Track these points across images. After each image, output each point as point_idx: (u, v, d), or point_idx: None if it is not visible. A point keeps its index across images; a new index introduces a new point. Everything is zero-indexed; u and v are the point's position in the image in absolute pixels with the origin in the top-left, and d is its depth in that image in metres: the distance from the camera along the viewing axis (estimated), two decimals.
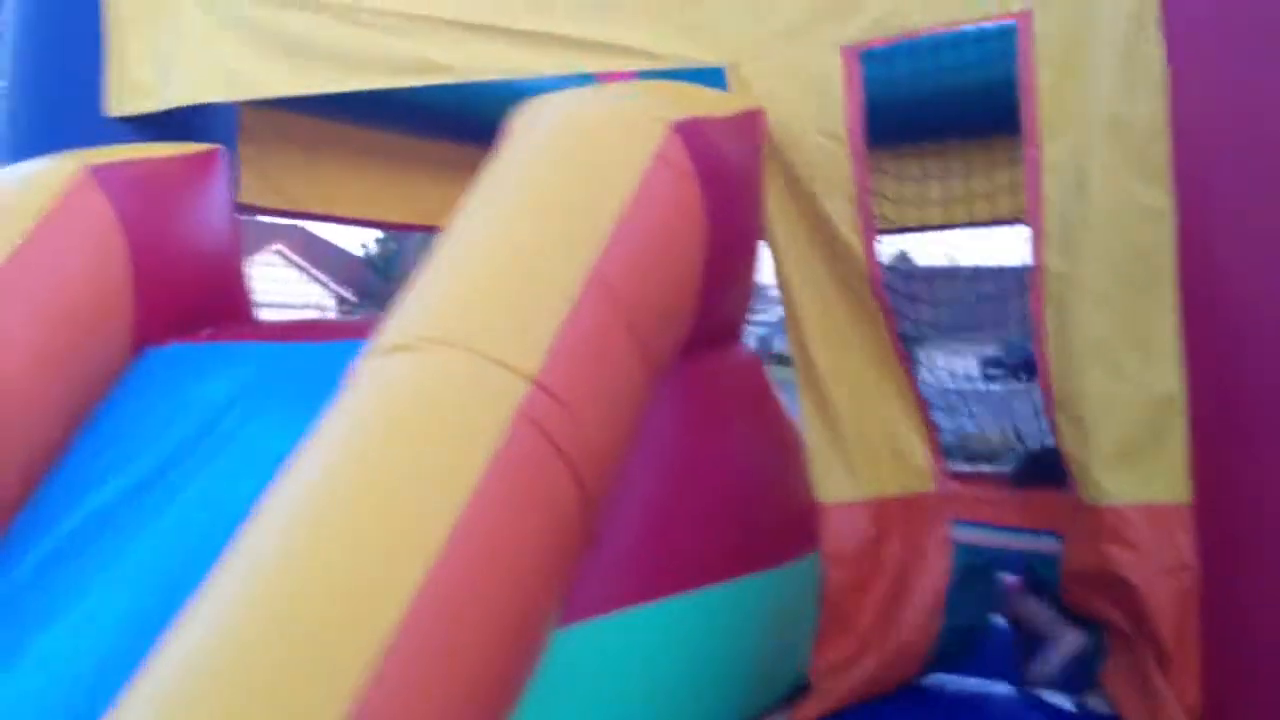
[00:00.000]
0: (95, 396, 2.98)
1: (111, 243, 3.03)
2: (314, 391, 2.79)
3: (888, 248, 4.04)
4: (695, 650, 2.66)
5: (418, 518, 2.02)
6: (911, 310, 3.63)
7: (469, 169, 5.47)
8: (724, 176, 2.77)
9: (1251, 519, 2.68)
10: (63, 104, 3.73)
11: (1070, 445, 2.89)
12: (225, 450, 2.78)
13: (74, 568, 2.63)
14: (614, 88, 3.03)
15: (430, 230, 5.70)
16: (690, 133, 2.69)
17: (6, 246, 2.93)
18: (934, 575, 3.13)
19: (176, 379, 2.99)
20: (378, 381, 2.26)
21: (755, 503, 2.91)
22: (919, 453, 3.21)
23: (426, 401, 2.20)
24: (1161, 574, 2.75)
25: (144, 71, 3.64)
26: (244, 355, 3.03)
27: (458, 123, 4.66)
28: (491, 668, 2.03)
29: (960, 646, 3.24)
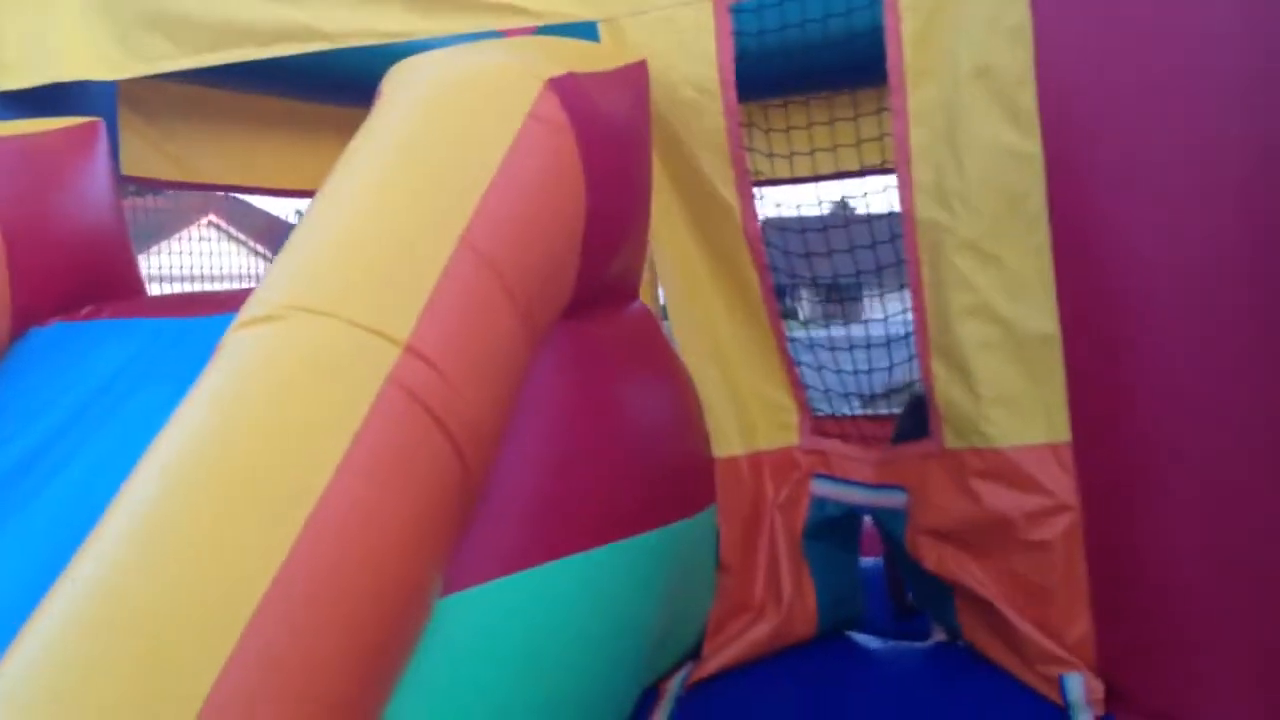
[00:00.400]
0: None
1: None
2: (192, 368, 2.78)
3: (829, 194, 4.08)
4: (594, 611, 2.65)
5: (283, 486, 2.01)
6: (841, 260, 3.65)
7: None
8: (604, 132, 2.75)
9: (1130, 455, 2.73)
10: None
11: (947, 391, 2.93)
12: (107, 425, 2.74)
13: None
14: (488, 45, 3.00)
15: None
16: (567, 88, 2.66)
17: None
18: (796, 528, 3.18)
19: (57, 357, 2.95)
20: (243, 353, 2.24)
21: (651, 459, 2.91)
22: (787, 407, 3.25)
23: (292, 371, 2.18)
24: (1045, 514, 2.79)
25: (16, 48, 3.56)
26: (127, 331, 2.99)
27: (347, 86, 4.63)
28: (362, 637, 2.01)
29: (844, 608, 3.29)
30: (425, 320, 2.26)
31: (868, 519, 3.27)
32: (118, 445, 2.68)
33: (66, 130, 3.29)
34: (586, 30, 3.17)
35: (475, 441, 2.31)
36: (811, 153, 3.53)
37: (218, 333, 2.89)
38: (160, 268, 9.90)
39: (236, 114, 4.88)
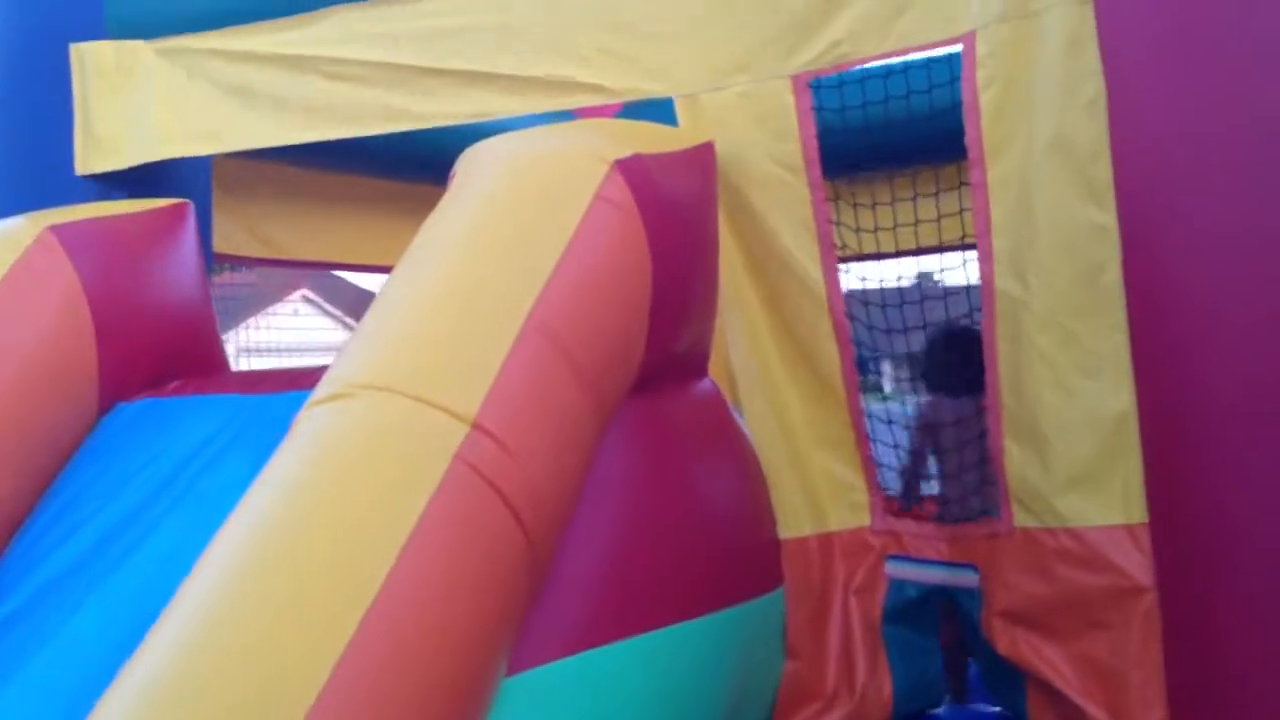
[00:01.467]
0: (63, 454, 3.02)
1: (72, 300, 3.08)
2: (276, 440, 2.84)
3: (911, 269, 4.07)
4: (658, 693, 2.62)
5: (352, 564, 2.03)
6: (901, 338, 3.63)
7: None
8: (671, 211, 2.78)
9: (1208, 537, 2.65)
10: (38, 168, 3.77)
11: (1020, 469, 2.88)
12: (187, 501, 2.81)
13: (29, 630, 2.65)
14: (559, 128, 3.06)
15: None
16: (633, 169, 2.71)
17: None
18: (874, 612, 3.12)
19: (142, 433, 3.02)
20: (315, 430, 2.28)
21: (717, 539, 2.89)
22: (858, 487, 3.22)
23: (362, 448, 2.22)
24: (1122, 595, 2.73)
25: (111, 129, 3.69)
26: (210, 407, 3.06)
27: (430, 164, 4.74)
28: (429, 716, 2.03)
29: (923, 696, 3.22)
30: (492, 398, 2.29)
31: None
32: (196, 521, 2.74)
33: (156, 211, 3.41)
34: (666, 107, 3.22)
35: (541, 519, 2.32)
36: (894, 228, 3.52)
37: (295, 408, 2.97)
38: (255, 341, 10.13)
39: (322, 193, 5.01)
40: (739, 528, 2.99)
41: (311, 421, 2.31)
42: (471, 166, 2.76)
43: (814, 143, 3.09)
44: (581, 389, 2.47)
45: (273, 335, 10.45)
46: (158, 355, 3.25)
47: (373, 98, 3.46)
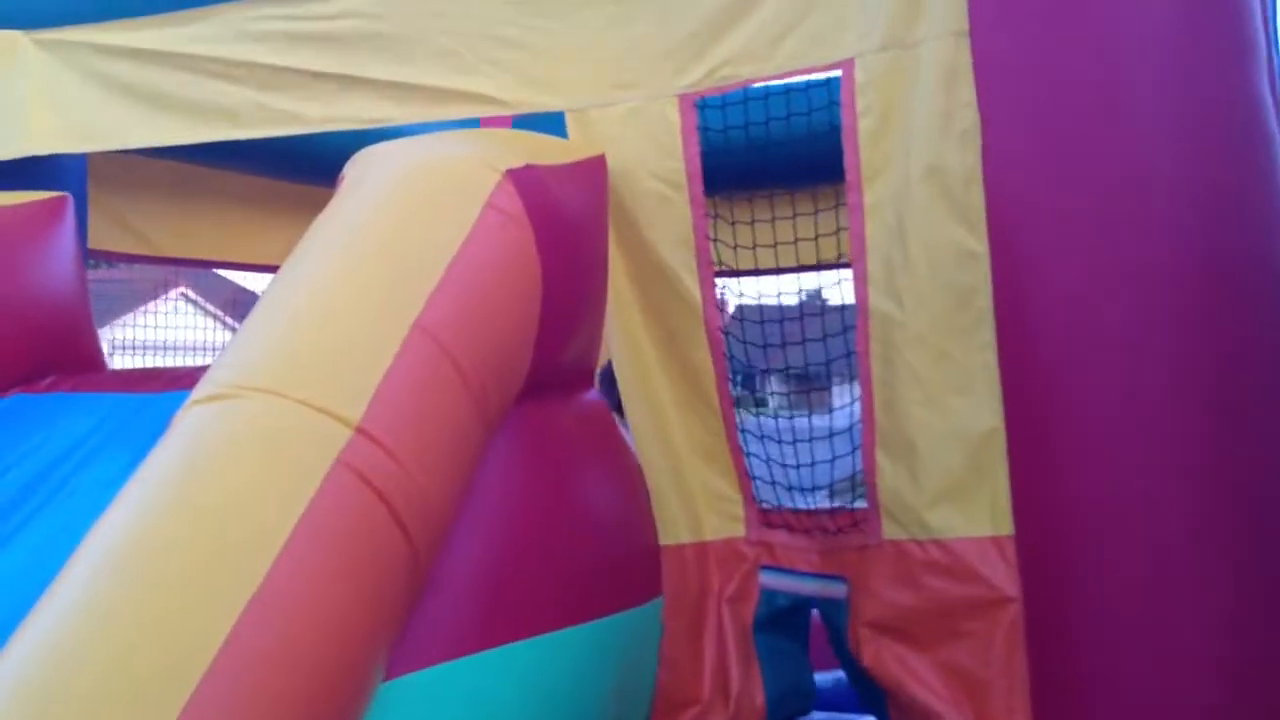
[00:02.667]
0: None
1: None
2: (147, 443, 2.79)
3: (801, 284, 4.15)
4: (537, 699, 2.64)
5: (228, 566, 2.02)
6: (812, 350, 3.71)
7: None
8: (561, 222, 2.82)
9: (1070, 550, 2.77)
10: None
11: (891, 483, 2.97)
12: (60, 498, 2.76)
13: None
14: (450, 135, 3.08)
15: None
16: (524, 180, 2.73)
17: None
18: (746, 620, 3.19)
19: (15, 428, 2.95)
20: (195, 429, 2.26)
21: (599, 547, 2.92)
22: (733, 499, 3.29)
23: (241, 449, 2.21)
24: (987, 605, 2.82)
25: None
26: (86, 404, 3.01)
27: (310, 164, 4.69)
28: (306, 714, 2.03)
29: (793, 702, 3.29)
30: (377, 403, 2.30)
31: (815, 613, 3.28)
32: (70, 518, 2.70)
33: (34, 204, 3.33)
34: (557, 120, 3.25)
35: (425, 525, 2.33)
36: (774, 245, 3.61)
37: (174, 408, 2.93)
38: (130, 339, 9.89)
39: (199, 189, 4.92)
40: (620, 536, 3.03)
41: (191, 420, 2.29)
42: (362, 170, 2.76)
43: (697, 161, 3.15)
44: (467, 396, 2.48)
45: (149, 333, 10.21)
46: (32, 350, 3.18)
47: (254, 99, 3.43)
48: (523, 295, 2.69)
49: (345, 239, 2.60)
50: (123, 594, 1.98)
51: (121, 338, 9.53)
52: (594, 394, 3.12)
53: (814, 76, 3.17)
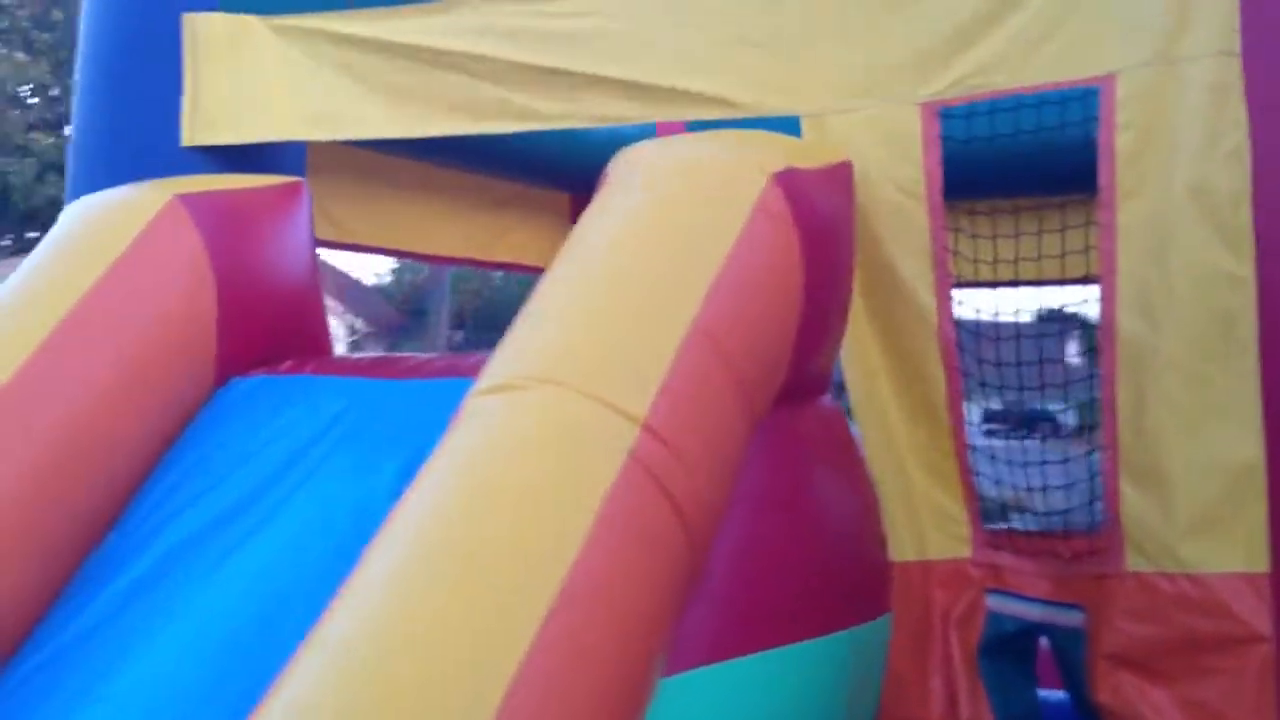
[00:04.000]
0: (179, 425, 2.98)
1: (199, 272, 3.04)
2: (398, 430, 2.82)
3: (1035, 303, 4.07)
4: (781, 707, 2.63)
5: (535, 558, 2.03)
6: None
7: (521, 204, 5.45)
8: (821, 227, 2.81)
9: None
10: (134, 135, 3.67)
11: (1138, 512, 2.91)
12: (309, 486, 2.77)
13: (152, 601, 2.60)
14: (709, 136, 3.07)
15: (480, 264, 5.77)
16: (789, 183, 2.73)
17: (93, 273, 2.94)
18: (971, 644, 3.14)
19: (261, 411, 2.99)
20: (487, 420, 2.27)
21: (837, 558, 2.89)
22: (959, 518, 3.23)
23: (538, 441, 2.22)
24: (1239, 643, 2.76)
25: (221, 102, 3.62)
26: (329, 389, 3.02)
27: (513, 160, 4.73)
28: (606, 713, 2.03)
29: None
30: (660, 400, 2.30)
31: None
32: (320, 505, 2.72)
33: (275, 188, 3.38)
34: (788, 125, 3.23)
35: (703, 523, 2.32)
36: (1015, 261, 3.55)
37: (416, 397, 2.96)
38: None
39: (393, 179, 4.96)
40: (857, 547, 3.00)
41: (482, 411, 2.30)
42: (631, 168, 2.77)
43: (938, 170, 3.11)
44: (741, 398, 2.48)
45: None
46: (272, 332, 3.22)
47: (495, 94, 3.43)
48: (788, 299, 2.68)
49: (621, 236, 2.61)
50: (426, 592, 1.98)
51: None
52: (830, 402, 3.09)
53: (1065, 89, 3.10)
